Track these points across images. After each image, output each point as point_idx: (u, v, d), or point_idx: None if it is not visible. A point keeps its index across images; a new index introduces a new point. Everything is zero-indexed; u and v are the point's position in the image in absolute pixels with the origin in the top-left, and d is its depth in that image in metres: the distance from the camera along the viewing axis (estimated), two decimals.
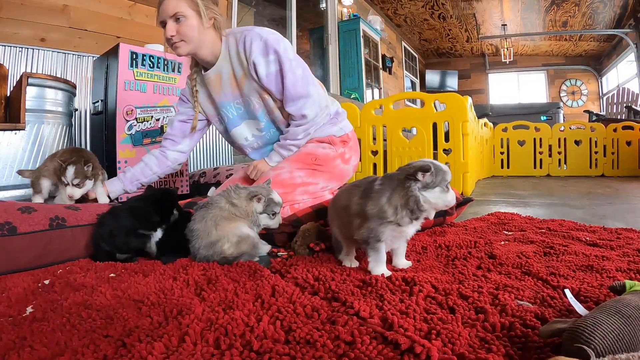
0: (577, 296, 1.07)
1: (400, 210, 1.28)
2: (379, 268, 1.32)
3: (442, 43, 12.59)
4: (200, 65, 2.17)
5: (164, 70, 3.24)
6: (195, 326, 0.90)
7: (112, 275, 1.37)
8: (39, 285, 1.29)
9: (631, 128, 6.69)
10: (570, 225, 2.13)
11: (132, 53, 3.03)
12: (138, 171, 2.29)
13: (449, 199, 1.32)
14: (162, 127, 3.21)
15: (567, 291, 1.06)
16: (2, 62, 3.10)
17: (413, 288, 1.14)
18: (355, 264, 1.45)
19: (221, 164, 5.00)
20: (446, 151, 3.68)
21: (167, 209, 1.68)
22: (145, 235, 1.62)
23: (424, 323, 0.92)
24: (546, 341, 0.83)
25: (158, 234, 1.65)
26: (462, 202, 2.24)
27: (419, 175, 1.26)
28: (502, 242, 1.76)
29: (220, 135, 5.06)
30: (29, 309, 1.08)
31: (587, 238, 1.79)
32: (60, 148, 2.94)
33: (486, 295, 1.09)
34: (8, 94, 2.86)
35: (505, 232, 2.03)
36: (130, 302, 1.09)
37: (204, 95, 2.23)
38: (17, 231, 1.49)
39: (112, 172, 2.95)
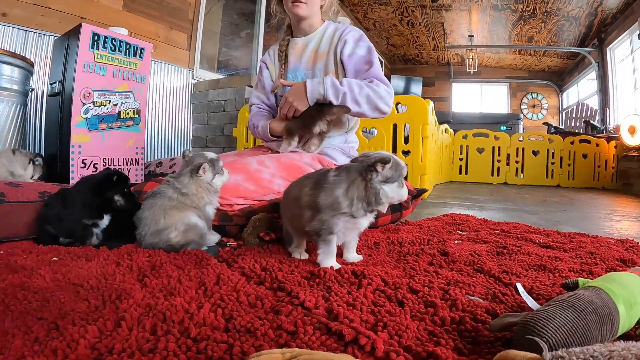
0: (529, 293, 1.08)
1: (356, 202, 1.28)
2: (328, 261, 1.32)
3: (409, 49, 12.67)
4: (290, 34, 2.35)
5: (125, 54, 3.17)
6: (133, 311, 0.87)
7: (54, 258, 1.33)
8: None
9: (588, 142, 6.91)
10: (524, 228, 2.17)
11: (94, 34, 2.95)
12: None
13: (404, 193, 1.34)
14: (119, 112, 3.13)
15: (518, 285, 1.06)
16: None
17: (362, 281, 1.13)
18: (304, 256, 1.44)
19: (178, 154, 4.94)
20: (405, 153, 3.70)
21: (108, 194, 1.60)
22: (90, 225, 1.58)
23: (371, 315, 0.91)
24: (497, 335, 0.83)
25: (105, 222, 1.61)
26: (417, 194, 2.25)
27: (378, 167, 1.25)
28: (456, 241, 1.78)
29: (179, 126, 5.01)
30: None
31: (541, 240, 1.82)
32: (14, 127, 2.86)
33: (437, 290, 1.09)
34: None
35: (459, 232, 2.05)
36: (69, 285, 1.05)
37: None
38: None
39: (65, 157, 2.88)
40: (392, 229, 2.00)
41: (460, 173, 7.46)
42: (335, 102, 1.97)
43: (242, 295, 1.00)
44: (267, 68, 2.41)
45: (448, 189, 5.42)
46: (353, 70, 2.12)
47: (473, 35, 11.06)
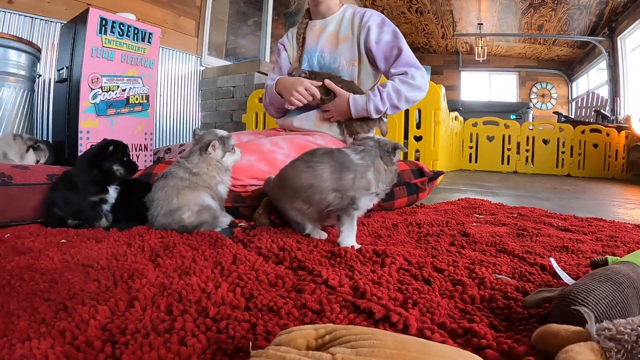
0: (555, 273, 1.05)
1: (381, 183, 1.35)
2: (350, 239, 1.30)
3: (417, 38, 12.53)
4: (309, 17, 2.34)
5: (133, 39, 3.12)
6: (147, 291, 0.83)
7: (63, 240, 1.28)
8: None
9: (599, 131, 6.81)
10: (541, 212, 2.14)
11: (102, 19, 2.91)
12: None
13: None
14: (127, 98, 3.09)
15: (552, 260, 1.05)
16: None
17: (385, 260, 1.09)
18: (324, 235, 1.41)
19: (188, 140, 4.91)
20: (417, 138, 3.65)
21: (106, 165, 1.54)
22: (97, 202, 1.53)
23: (399, 293, 0.87)
24: (530, 312, 0.80)
25: (112, 195, 1.57)
26: (433, 176, 2.20)
27: (397, 153, 1.38)
28: (474, 224, 1.74)
29: (187, 113, 4.97)
30: None
31: (559, 224, 1.79)
32: (21, 113, 2.84)
33: (462, 269, 1.06)
34: None
35: (476, 215, 2.01)
36: (79, 266, 1.01)
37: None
38: None
39: (73, 143, 2.85)
40: (408, 212, 1.97)
41: (470, 161, 7.37)
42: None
43: (261, 275, 0.95)
44: (285, 50, 2.38)
45: (459, 177, 5.36)
46: (382, 58, 2.08)
47: (482, 24, 10.93)
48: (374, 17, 2.12)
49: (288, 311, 0.77)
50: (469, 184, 4.33)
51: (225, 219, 1.60)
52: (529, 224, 1.76)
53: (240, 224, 1.59)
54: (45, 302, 0.78)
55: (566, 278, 0.93)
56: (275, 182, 1.49)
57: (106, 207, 1.55)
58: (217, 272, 0.97)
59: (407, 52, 2.06)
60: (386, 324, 0.73)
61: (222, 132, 1.57)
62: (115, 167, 1.55)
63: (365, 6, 2.29)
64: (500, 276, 1.02)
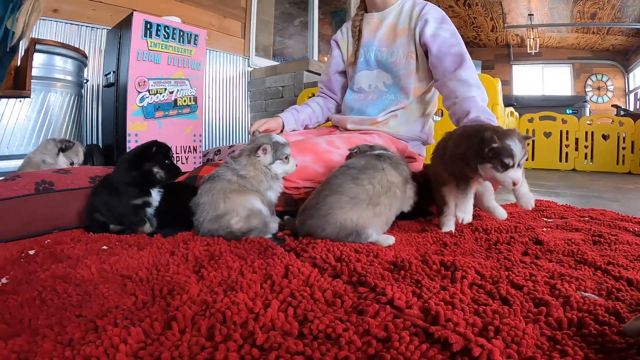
0: None
1: None
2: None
3: (466, 32, 12.22)
4: (364, 9, 2.24)
5: (179, 41, 3.09)
6: (187, 309, 0.73)
7: (104, 247, 1.22)
8: (22, 255, 1.17)
9: None
10: (613, 215, 1.94)
11: (147, 22, 2.90)
12: (306, 117, 2.31)
13: None
14: (175, 100, 3.06)
15: None
16: None
17: (455, 274, 0.96)
18: (392, 239, 1.33)
19: (237, 141, 4.88)
20: None
21: (147, 166, 1.47)
22: (140, 205, 1.46)
23: (476, 317, 0.74)
24: (628, 341, 0.66)
25: (155, 198, 1.49)
26: None
27: None
28: (544, 229, 1.58)
29: (236, 114, 4.94)
30: (4, 280, 0.96)
31: (635, 229, 1.60)
32: (69, 118, 2.86)
33: (542, 284, 0.92)
34: (18, 64, 2.71)
35: (544, 218, 1.85)
36: (117, 277, 0.93)
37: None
38: None
39: (122, 146, 2.84)
40: (473, 215, 1.80)
41: (527, 159, 7.06)
42: None
43: (316, 291, 0.84)
44: (339, 47, 2.30)
45: None
46: (437, 53, 1.91)
47: (533, 14, 10.58)
48: (433, 11, 1.99)
49: (349, 339, 0.65)
50: (529, 183, 4.07)
51: (275, 225, 1.49)
52: (604, 229, 1.59)
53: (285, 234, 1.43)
54: (75, 319, 0.71)
55: None
56: (325, 203, 1.31)
57: (150, 211, 1.48)
58: (267, 287, 0.87)
59: (470, 60, 1.91)
60: (465, 358, 0.61)
61: (279, 138, 1.48)
62: (155, 170, 1.47)
63: None
64: (586, 294, 0.88)
